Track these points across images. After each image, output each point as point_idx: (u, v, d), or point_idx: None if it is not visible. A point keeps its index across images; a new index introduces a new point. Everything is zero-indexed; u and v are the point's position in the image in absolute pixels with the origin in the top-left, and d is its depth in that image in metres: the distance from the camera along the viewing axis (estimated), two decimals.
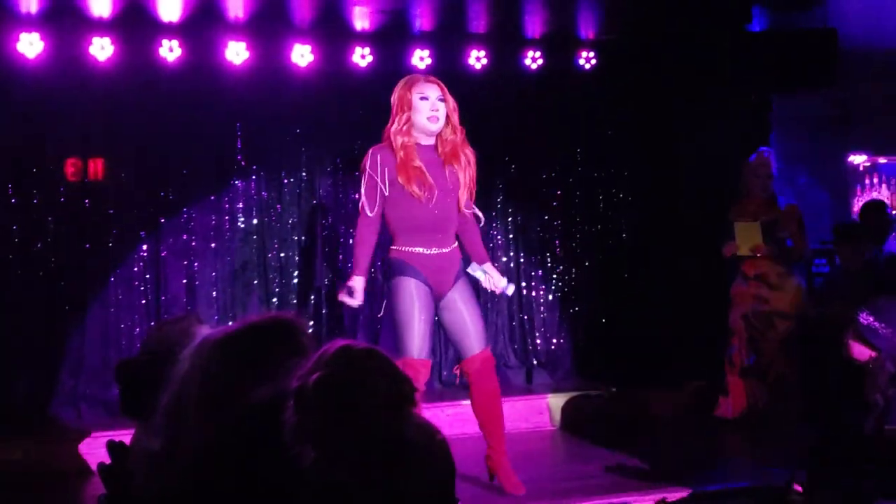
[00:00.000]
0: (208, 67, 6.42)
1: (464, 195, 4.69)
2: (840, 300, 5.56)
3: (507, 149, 7.07)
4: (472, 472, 4.88)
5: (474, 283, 4.85)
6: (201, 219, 6.66)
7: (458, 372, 4.94)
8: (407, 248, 4.63)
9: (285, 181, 6.84)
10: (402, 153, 4.56)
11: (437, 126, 4.60)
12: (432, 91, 4.60)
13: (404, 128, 4.59)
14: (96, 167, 6.41)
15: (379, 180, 4.58)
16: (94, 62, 6.15)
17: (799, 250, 6.37)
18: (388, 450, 1.54)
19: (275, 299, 6.77)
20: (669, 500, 4.21)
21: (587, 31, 7.12)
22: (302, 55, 6.53)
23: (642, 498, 4.69)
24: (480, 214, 4.86)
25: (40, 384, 6.18)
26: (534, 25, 6.96)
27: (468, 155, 4.68)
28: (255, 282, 6.76)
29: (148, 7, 6.07)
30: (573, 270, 7.23)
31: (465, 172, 4.65)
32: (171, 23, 6.26)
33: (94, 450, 5.40)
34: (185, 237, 6.63)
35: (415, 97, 4.58)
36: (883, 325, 3.98)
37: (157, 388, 1.81)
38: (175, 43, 6.25)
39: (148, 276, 6.54)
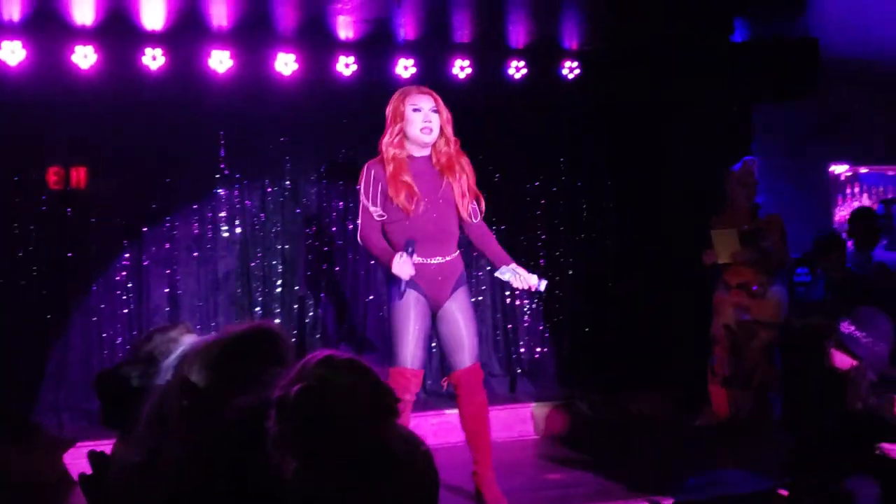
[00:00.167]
0: (192, 76, 6.39)
1: (465, 204, 4.65)
2: (821, 309, 5.60)
3: (490, 158, 7.07)
4: (456, 483, 4.87)
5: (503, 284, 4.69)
6: (184, 227, 6.62)
7: (445, 384, 4.93)
8: None
9: (269, 190, 6.82)
10: (391, 167, 4.55)
11: (430, 137, 4.59)
12: (425, 102, 4.59)
13: (396, 139, 4.58)
14: (79, 175, 6.36)
15: (370, 202, 4.58)
16: (77, 70, 6.11)
17: (780, 259, 6.38)
18: (371, 461, 1.54)
19: (258, 308, 6.73)
20: None
21: (570, 41, 7.15)
22: (286, 64, 6.51)
23: None
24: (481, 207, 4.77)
25: (22, 393, 6.12)
26: (517, 35, 6.98)
27: (463, 164, 4.66)
28: (239, 291, 6.72)
29: (131, 15, 6.04)
30: (557, 279, 7.23)
31: (460, 182, 4.63)
32: (154, 31, 6.23)
33: (76, 460, 5.35)
34: (167, 246, 6.59)
35: (408, 108, 4.58)
36: (864, 333, 4.01)
37: (138, 400, 1.80)
38: (158, 51, 6.22)
39: (130, 286, 6.49)
